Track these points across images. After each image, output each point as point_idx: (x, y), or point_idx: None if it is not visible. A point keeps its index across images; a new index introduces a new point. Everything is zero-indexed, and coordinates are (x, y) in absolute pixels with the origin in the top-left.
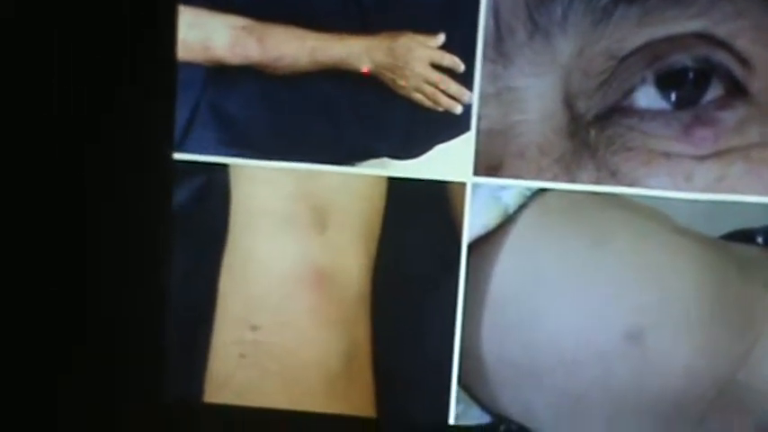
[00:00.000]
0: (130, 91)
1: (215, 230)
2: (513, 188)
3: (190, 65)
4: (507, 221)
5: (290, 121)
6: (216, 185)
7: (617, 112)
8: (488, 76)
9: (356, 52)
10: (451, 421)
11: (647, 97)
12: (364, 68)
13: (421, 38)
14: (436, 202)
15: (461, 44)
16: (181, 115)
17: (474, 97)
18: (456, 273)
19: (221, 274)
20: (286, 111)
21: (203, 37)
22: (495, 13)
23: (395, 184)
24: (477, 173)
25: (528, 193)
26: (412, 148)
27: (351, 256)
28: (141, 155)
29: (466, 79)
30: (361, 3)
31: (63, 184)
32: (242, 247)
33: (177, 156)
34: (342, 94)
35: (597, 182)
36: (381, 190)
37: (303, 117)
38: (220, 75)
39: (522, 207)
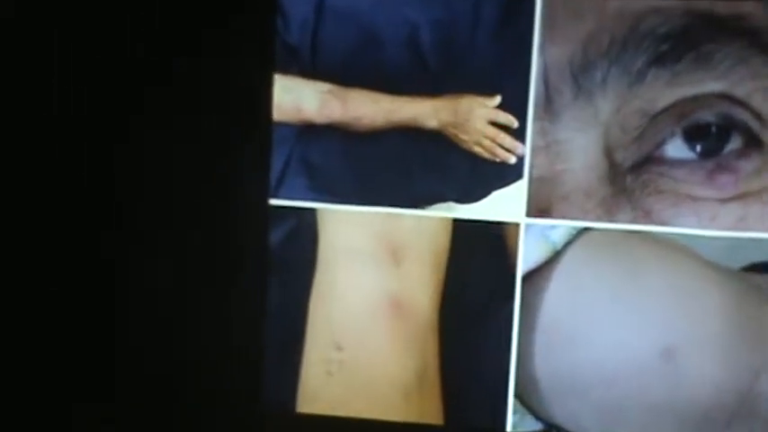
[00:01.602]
0: (231, 150)
1: (305, 265)
2: (560, 228)
3: (283, 124)
4: (555, 256)
5: (368, 171)
6: (306, 227)
7: (650, 161)
8: (538, 132)
9: (425, 112)
10: (509, 429)
11: (676, 148)
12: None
13: (480, 99)
14: (494, 241)
15: (515, 104)
16: (276, 167)
17: (526, 149)
18: (511, 301)
19: (311, 302)
20: (365, 162)
21: (295, 100)
22: (545, 77)
23: (459, 224)
24: (529, 214)
25: (573, 232)
26: (473, 193)
27: (421, 288)
28: (243, 202)
29: (519, 134)
30: (429, 69)
31: (177, 238)
32: (328, 280)
33: (273, 201)
34: (413, 148)
35: (633, 221)
36: (447, 230)
37: (380, 168)
38: (309, 132)
39: (568, 244)
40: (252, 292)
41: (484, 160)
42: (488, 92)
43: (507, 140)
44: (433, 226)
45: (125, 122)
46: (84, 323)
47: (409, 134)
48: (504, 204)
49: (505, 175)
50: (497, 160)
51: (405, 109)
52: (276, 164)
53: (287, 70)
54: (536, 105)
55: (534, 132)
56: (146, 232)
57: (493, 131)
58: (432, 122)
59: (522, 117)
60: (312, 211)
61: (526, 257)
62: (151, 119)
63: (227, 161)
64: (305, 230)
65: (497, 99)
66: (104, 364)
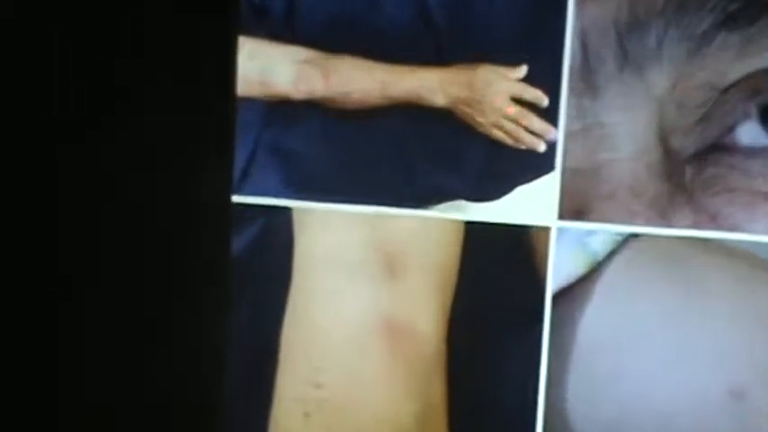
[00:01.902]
0: (185, 129)
1: (276, 279)
2: (601, 233)
3: (250, 101)
4: (595, 269)
5: (357, 160)
6: (277, 230)
7: (717, 149)
8: (575, 111)
9: (430, 85)
10: None
11: (751, 134)
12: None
13: (501, 69)
14: (517, 249)
15: (545, 76)
16: (240, 155)
17: (559, 134)
18: (540, 324)
19: (284, 327)
20: (353, 149)
21: (264, 71)
22: (583, 41)
23: (472, 228)
24: (562, 216)
25: (618, 239)
26: (491, 189)
27: (424, 307)
28: (197, 198)
29: (550, 114)
30: (436, 32)
31: (125, 233)
32: (306, 297)
33: (236, 198)
34: (415, 132)
35: (694, 226)
36: (458, 235)
37: (372, 156)
38: (282, 111)
39: (611, 254)
40: (210, 314)
41: (505, 147)
42: (511, 61)
43: (535, 122)
44: (440, 230)
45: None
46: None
47: (410, 114)
48: (531, 203)
49: (532, 166)
50: (522, 147)
51: (405, 82)
52: (241, 151)
53: (254, 33)
54: (571, 78)
55: (569, 112)
56: (83, 234)
57: (517, 111)
58: (439, 99)
59: (553, 93)
60: (286, 210)
61: (558, 270)
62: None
63: (177, 147)
64: (277, 235)
65: (522, 70)
66: (45, 397)
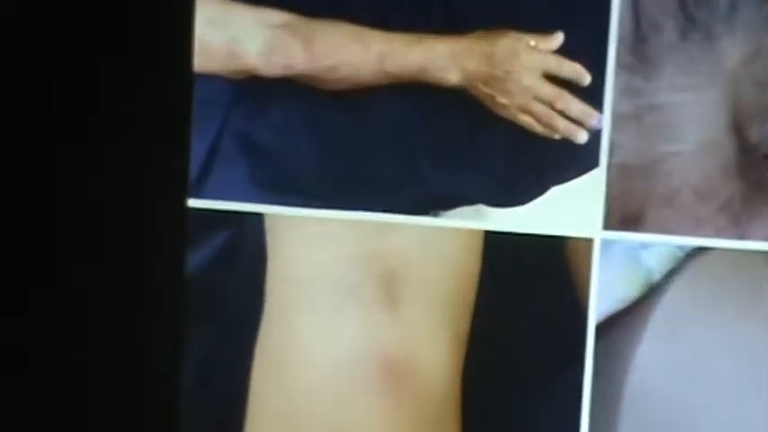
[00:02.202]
0: (129, 114)
1: (245, 305)
2: (658, 246)
3: (211, 77)
4: (651, 291)
5: (347, 154)
6: (246, 243)
7: None
8: (624, 91)
9: (440, 59)
10: None
11: None
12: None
13: (530, 38)
14: (551, 266)
15: (586, 46)
16: (199, 146)
17: (604, 120)
18: (580, 362)
19: (254, 366)
20: (342, 141)
21: (229, 39)
22: (635, 3)
23: (494, 240)
24: (608, 226)
25: (680, 254)
26: (517, 191)
27: (434, 341)
28: (142, 202)
29: (593, 95)
30: None
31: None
32: (283, 329)
33: (193, 203)
34: (419, 118)
35: None
36: (475, 249)
37: (366, 149)
38: (252, 91)
39: (672, 272)
40: (160, 347)
41: (535, 138)
42: (543, 27)
43: (574, 105)
44: (453, 244)
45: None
46: None
47: (415, 95)
48: (569, 209)
49: (570, 161)
50: (557, 137)
51: (408, 54)
52: (199, 142)
53: None
54: (620, 49)
55: (617, 92)
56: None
57: (550, 91)
58: (451, 76)
59: (597, 68)
60: (257, 218)
61: (603, 294)
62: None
63: (121, 138)
64: (245, 250)
65: (558, 38)
66: None
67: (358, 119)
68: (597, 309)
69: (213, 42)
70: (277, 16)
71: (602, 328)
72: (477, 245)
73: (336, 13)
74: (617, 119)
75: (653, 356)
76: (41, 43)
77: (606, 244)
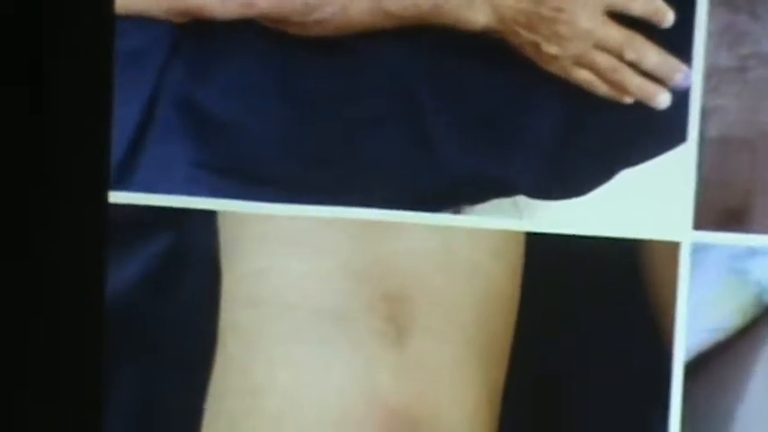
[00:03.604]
0: (33, 71)
1: (192, 337)
2: None
3: (140, 20)
4: (763, 316)
5: (333, 126)
6: (192, 252)
7: None
8: (723, 35)
9: None
10: None
11: None
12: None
13: None
14: (623, 281)
15: None
16: (124, 117)
17: (694, 76)
18: (664, 406)
19: (206, 418)
20: (325, 107)
21: None
22: None
23: (540, 246)
24: (701, 224)
25: None
26: (573, 176)
27: (453, 388)
28: (50, 194)
29: (678, 41)
30: None
31: None
32: (244, 370)
33: (116, 197)
34: (434, 76)
35: None
36: (514, 259)
37: (359, 119)
38: (198, 38)
39: None
40: (72, 396)
41: (597, 101)
42: None
43: (651, 55)
44: (483, 251)
45: None
46: None
47: (427, 43)
48: (647, 202)
49: (647, 134)
50: (627, 100)
51: None
52: (125, 111)
53: None
54: None
55: (713, 37)
56: None
57: (618, 35)
58: (478, 15)
59: (682, 2)
60: (206, 216)
61: (696, 318)
62: None
63: (19, 102)
64: (190, 261)
65: None
66: None
67: (347, 77)
68: (687, 341)
69: None
70: None
71: (693, 368)
72: (517, 252)
73: None
74: (712, 74)
75: (762, 404)
76: None
77: (699, 249)
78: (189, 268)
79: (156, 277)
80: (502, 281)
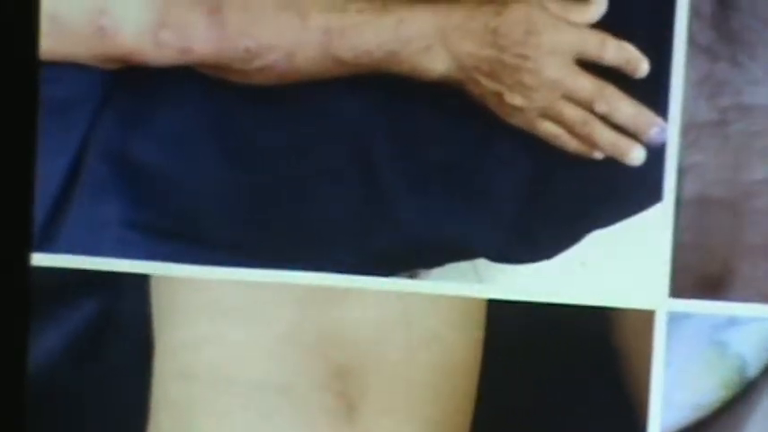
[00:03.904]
0: None
1: (121, 415)
2: (754, 323)
3: (69, 67)
4: (744, 393)
5: (277, 181)
6: (122, 320)
7: None
8: (702, 85)
9: (420, 37)
10: None
11: None
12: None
13: (555, 5)
14: (593, 353)
15: (643, 17)
16: (50, 170)
17: (671, 130)
18: None
19: None
20: (269, 161)
21: (96, 9)
22: None
23: (502, 314)
24: (677, 292)
25: None
26: (538, 238)
27: None
28: None
29: (653, 92)
30: None
31: None
32: None
33: (39, 259)
34: (389, 128)
35: None
36: (474, 328)
37: (307, 175)
38: (131, 87)
39: None
40: None
41: (565, 157)
42: None
43: (624, 108)
44: (440, 320)
45: None
46: None
47: (381, 92)
48: (619, 267)
49: (620, 193)
50: (596, 156)
51: (370, 29)
52: (51, 164)
53: None
54: (693, 21)
55: (692, 88)
56: None
57: (588, 85)
58: (437, 62)
59: (660, 50)
60: (137, 280)
61: (672, 394)
62: None
63: None
64: (120, 329)
65: (599, 4)
66: None
67: (293, 128)
68: (664, 418)
69: (71, 14)
70: None
71: None
72: (477, 321)
73: None
74: (690, 128)
75: None
76: None
77: (675, 319)
78: (118, 337)
79: (82, 347)
80: (462, 352)
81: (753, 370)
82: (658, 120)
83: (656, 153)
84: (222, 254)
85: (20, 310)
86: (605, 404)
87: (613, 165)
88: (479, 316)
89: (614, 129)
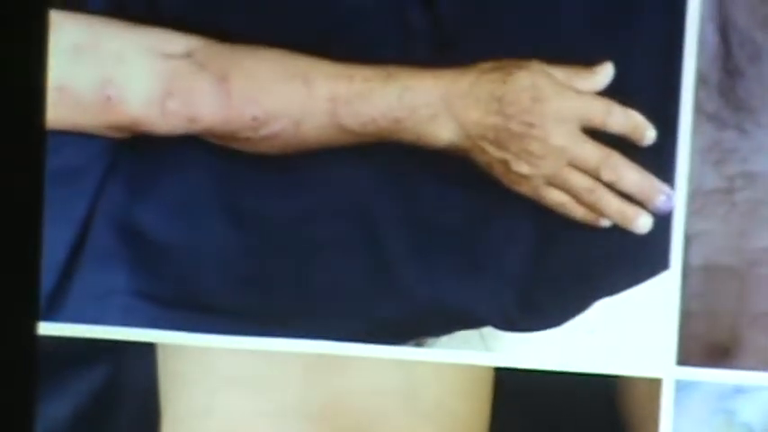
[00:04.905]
0: None
1: None
2: (761, 392)
3: (76, 136)
4: None
5: (282, 250)
6: (128, 388)
7: None
8: (709, 153)
9: (425, 105)
10: None
11: None
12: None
13: (561, 72)
14: (599, 419)
15: (649, 84)
16: (56, 240)
17: (678, 198)
18: None
19: None
20: (275, 229)
21: (103, 78)
22: (722, 14)
23: (509, 382)
24: (684, 360)
25: None
26: (545, 306)
27: None
28: None
29: (660, 160)
30: (436, 9)
31: None
32: None
33: (45, 327)
34: (395, 196)
35: None
36: (481, 396)
37: (311, 243)
38: (138, 156)
39: None
40: None
41: (572, 225)
42: (580, 55)
43: (630, 176)
44: (447, 388)
45: None
46: None
47: (387, 160)
48: (626, 335)
49: (626, 261)
50: (604, 224)
51: (375, 97)
52: (57, 233)
53: (84, 5)
54: (700, 88)
55: (698, 155)
56: None
57: (595, 153)
58: (442, 130)
59: (666, 117)
60: (144, 349)
61: None
62: None
63: None
64: (126, 398)
65: (605, 71)
66: None
67: (299, 197)
68: None
69: (78, 84)
70: (177, 41)
71: None
72: (484, 389)
73: (268, 35)
74: (697, 195)
75: None
76: None
77: (683, 387)
78: (124, 406)
79: (89, 416)
80: (468, 421)
81: None
82: (665, 187)
83: (662, 221)
84: (228, 322)
85: (27, 379)
86: None
87: (620, 233)
88: (486, 385)
89: (621, 196)
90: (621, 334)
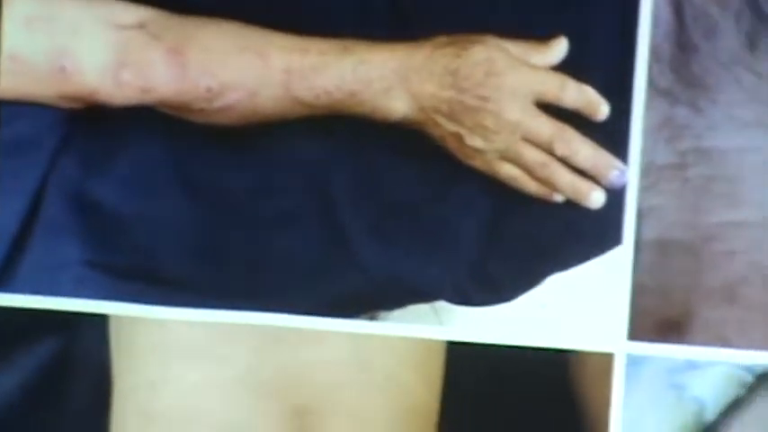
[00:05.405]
0: None
1: None
2: (712, 367)
3: (28, 106)
4: None
5: (237, 222)
6: (80, 361)
7: None
8: (661, 129)
9: (380, 79)
10: None
11: None
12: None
13: (516, 47)
14: (550, 396)
15: (602, 59)
16: (8, 211)
17: (631, 173)
18: None
19: None
20: (229, 201)
21: (56, 48)
22: None
23: (461, 356)
24: (636, 335)
25: (747, 378)
26: (497, 281)
27: None
28: None
29: (613, 135)
30: None
31: None
32: None
33: None
34: (349, 170)
35: None
36: (433, 370)
37: (266, 215)
38: (91, 127)
39: (733, 407)
40: None
41: (525, 200)
42: (535, 31)
43: (584, 150)
44: (399, 361)
45: None
46: None
47: (341, 134)
48: (577, 310)
49: (579, 236)
50: (557, 199)
51: (331, 70)
52: (9, 205)
53: None
54: (653, 64)
55: (651, 131)
56: None
57: (548, 128)
58: (397, 104)
59: (620, 92)
60: (96, 321)
61: None
62: None
63: None
64: (78, 371)
65: (558, 47)
66: None
67: (254, 169)
68: None
69: (31, 54)
70: (130, 12)
71: None
72: (436, 363)
73: (224, 8)
74: (650, 171)
75: None
76: None
77: (633, 362)
78: (75, 378)
79: (40, 388)
80: (420, 394)
81: (710, 414)
82: (618, 163)
83: (615, 196)
84: (181, 294)
85: None
86: None
87: (573, 208)
88: (438, 358)
89: (574, 171)
90: (573, 308)
